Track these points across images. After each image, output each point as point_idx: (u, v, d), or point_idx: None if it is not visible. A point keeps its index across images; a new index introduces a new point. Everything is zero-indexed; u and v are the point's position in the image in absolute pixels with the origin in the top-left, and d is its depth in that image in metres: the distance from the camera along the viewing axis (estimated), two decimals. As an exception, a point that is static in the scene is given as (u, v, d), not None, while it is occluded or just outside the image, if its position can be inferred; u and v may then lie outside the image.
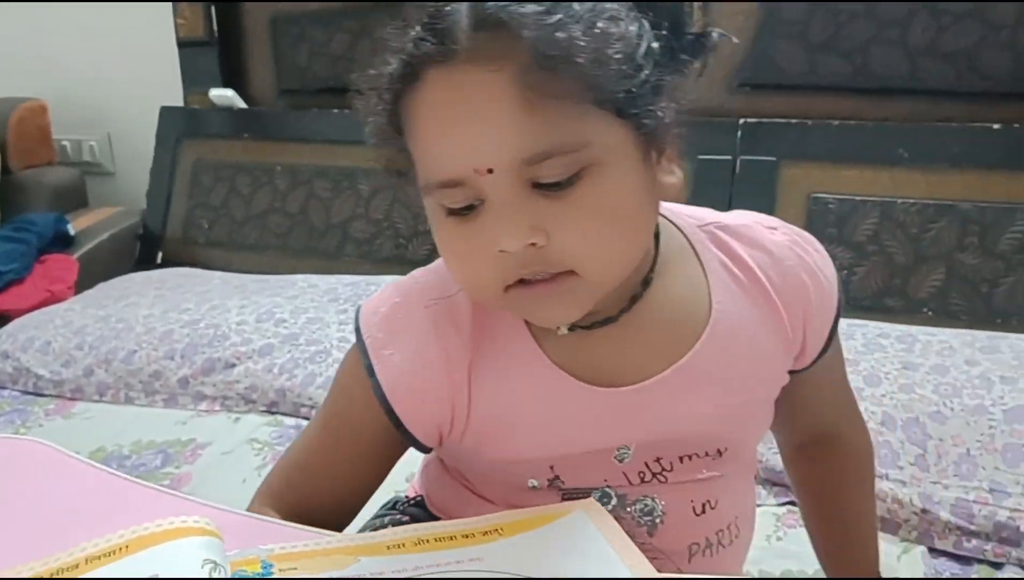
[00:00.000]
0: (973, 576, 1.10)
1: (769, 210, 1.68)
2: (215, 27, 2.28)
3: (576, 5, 0.54)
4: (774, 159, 1.71)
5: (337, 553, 0.57)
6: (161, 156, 2.36)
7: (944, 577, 1.11)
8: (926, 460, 1.18)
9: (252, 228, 2.20)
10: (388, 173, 0.62)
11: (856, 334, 1.41)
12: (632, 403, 0.64)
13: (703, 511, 0.68)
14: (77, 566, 0.52)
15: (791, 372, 0.71)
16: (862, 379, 1.29)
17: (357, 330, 0.67)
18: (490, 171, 0.54)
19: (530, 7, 0.53)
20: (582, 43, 0.53)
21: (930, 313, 1.57)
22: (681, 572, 0.67)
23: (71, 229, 2.27)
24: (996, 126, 1.59)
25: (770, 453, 1.25)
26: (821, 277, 0.68)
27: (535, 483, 0.67)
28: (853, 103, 1.71)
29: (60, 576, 0.51)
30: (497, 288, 0.59)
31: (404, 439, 0.67)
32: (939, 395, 1.24)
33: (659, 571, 0.55)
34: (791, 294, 0.67)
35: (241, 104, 2.27)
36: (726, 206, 1.72)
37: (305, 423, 1.10)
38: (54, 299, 2.03)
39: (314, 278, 1.92)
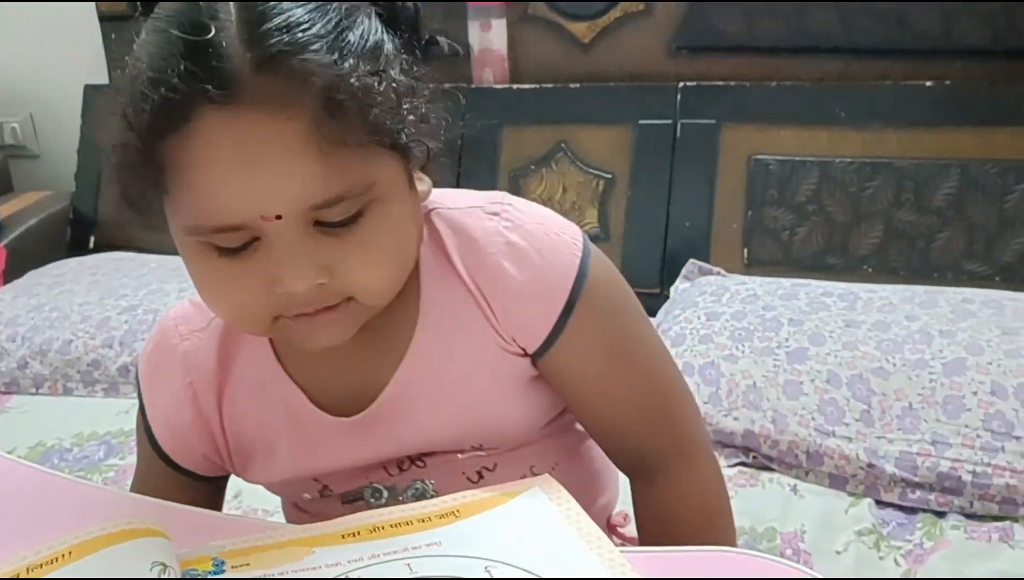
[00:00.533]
0: (918, 525, 1.13)
1: (710, 173, 1.70)
2: (138, 1, 2.20)
3: (323, 20, 0.53)
4: (714, 121, 1.72)
5: (291, 545, 0.56)
6: (88, 136, 2.27)
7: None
8: (871, 415, 1.21)
9: (188, 208, 2.13)
10: (123, 199, 0.58)
11: (800, 294, 1.43)
12: (365, 428, 0.67)
13: (480, 478, 0.68)
14: (18, 576, 0.50)
15: (537, 360, 0.67)
16: (807, 339, 1.31)
17: (137, 367, 0.73)
18: (278, 217, 0.53)
19: (312, 43, 0.52)
20: (373, 87, 0.53)
21: (870, 270, 1.60)
22: None
23: (-4, 216, 2.19)
24: (928, 84, 1.62)
25: (719, 415, 1.26)
26: (536, 262, 0.64)
27: (308, 496, 0.71)
28: (790, 64, 1.72)
29: (-1, 588, 0.49)
30: (267, 321, 0.59)
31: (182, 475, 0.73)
32: (881, 351, 1.26)
33: None
34: (490, 283, 0.64)
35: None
36: (668, 171, 1.75)
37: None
38: (-18, 290, 1.96)
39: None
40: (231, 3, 0.52)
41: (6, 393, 1.59)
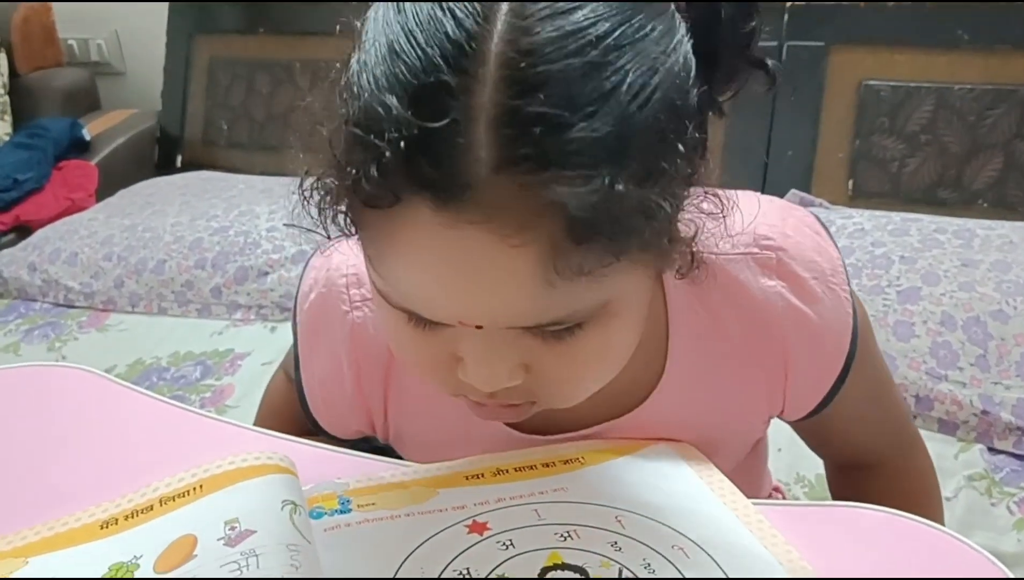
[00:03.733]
0: (1034, 475, 1.08)
1: (816, 99, 1.62)
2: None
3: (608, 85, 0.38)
4: (823, 44, 1.62)
5: (415, 485, 0.55)
6: (173, 54, 2.27)
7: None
8: (987, 360, 1.15)
9: (274, 128, 2.13)
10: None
11: (911, 230, 1.36)
12: None
13: None
14: (152, 507, 0.50)
15: (797, 420, 0.64)
16: (920, 278, 1.24)
17: (296, 304, 0.64)
18: (478, 327, 0.44)
19: (579, 149, 0.37)
20: (649, 198, 0.39)
21: (986, 205, 1.51)
22: None
23: (87, 134, 2.21)
24: (1062, 3, 1.50)
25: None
26: (818, 327, 0.57)
27: None
28: (908, -19, 1.61)
29: (136, 518, 0.49)
30: (451, 387, 0.50)
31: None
32: (1001, 293, 1.19)
33: None
34: (768, 350, 0.57)
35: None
36: (771, 96, 1.67)
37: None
38: (75, 208, 1.99)
39: (341, 179, 1.86)
40: (493, 49, 0.37)
41: (104, 310, 1.63)
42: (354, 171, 0.40)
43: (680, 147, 0.40)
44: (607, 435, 0.60)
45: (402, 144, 0.37)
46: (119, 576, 0.45)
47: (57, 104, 2.31)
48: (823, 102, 1.62)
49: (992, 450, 1.13)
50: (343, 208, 0.44)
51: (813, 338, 0.57)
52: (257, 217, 1.68)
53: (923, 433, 1.13)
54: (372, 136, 0.38)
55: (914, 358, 1.17)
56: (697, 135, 0.42)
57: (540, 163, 0.37)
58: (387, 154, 0.38)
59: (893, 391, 0.69)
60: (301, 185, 0.45)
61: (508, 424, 0.59)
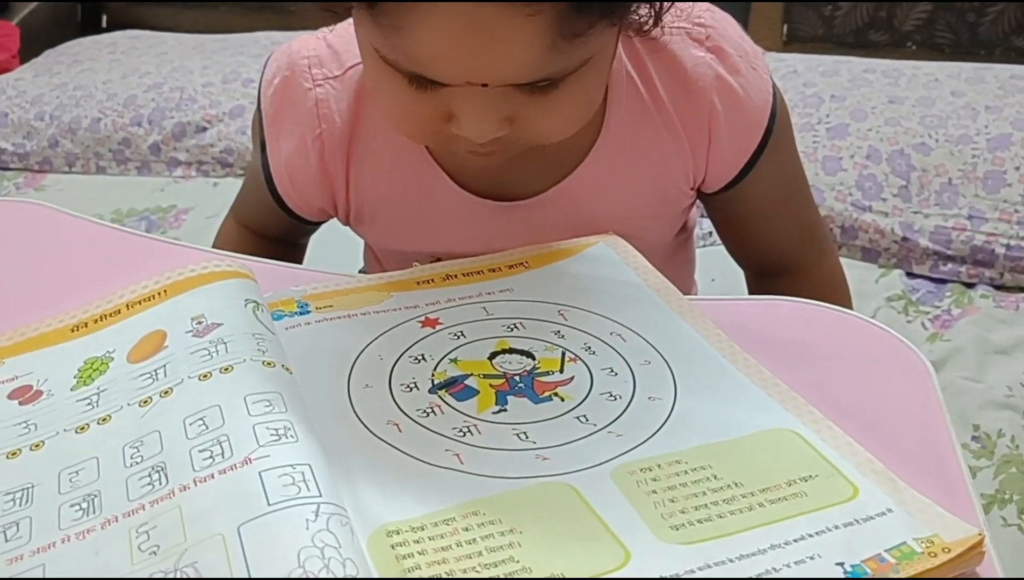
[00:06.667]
0: (947, 293, 1.16)
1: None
2: None
3: None
4: None
5: (368, 290, 0.58)
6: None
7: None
8: (909, 191, 1.21)
9: (200, -17, 2.05)
10: None
11: (842, 70, 1.39)
12: (515, 217, 0.65)
13: None
14: (119, 311, 0.52)
15: (711, 194, 0.69)
16: (848, 114, 1.29)
17: (259, 94, 0.68)
18: (484, 85, 0.50)
19: None
20: None
21: (914, 47, 1.55)
22: None
23: (3, -8, 2.10)
24: None
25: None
26: (741, 98, 0.63)
27: (418, 264, 0.69)
28: None
29: (105, 321, 0.52)
30: (433, 140, 0.57)
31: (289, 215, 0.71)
32: (924, 127, 1.24)
33: None
34: (694, 117, 0.63)
35: None
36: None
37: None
38: (0, 69, 1.91)
39: (276, 35, 1.82)
40: None
41: (40, 171, 1.59)
42: None
43: None
44: (550, 202, 0.65)
45: None
46: (94, 369, 0.48)
47: (-34, -38, 2.18)
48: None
49: (910, 274, 1.20)
50: None
51: (736, 106, 0.63)
52: (191, 72, 1.64)
53: (847, 261, 1.22)
54: None
55: (840, 190, 1.23)
56: None
57: None
58: None
59: (805, 189, 0.73)
60: None
61: (463, 187, 0.65)
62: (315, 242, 0.81)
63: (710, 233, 1.11)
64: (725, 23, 0.64)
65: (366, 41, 0.53)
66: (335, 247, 0.83)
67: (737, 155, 0.66)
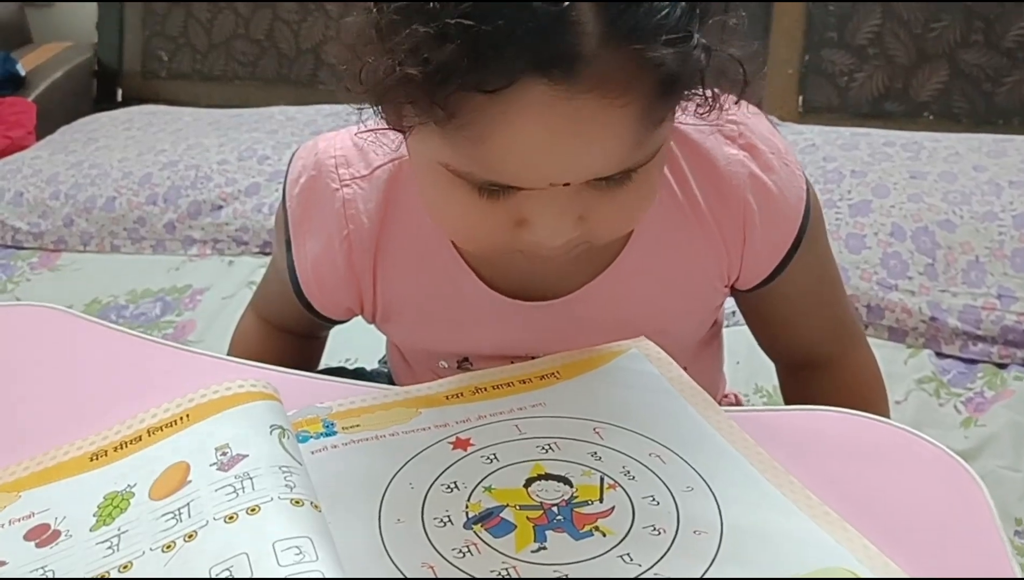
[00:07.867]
0: (979, 374, 1.13)
1: (765, 13, 1.62)
2: None
3: None
4: (771, -40, 1.62)
5: (397, 406, 0.56)
6: (107, -17, 2.19)
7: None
8: (935, 269, 1.19)
9: (216, 58, 2.07)
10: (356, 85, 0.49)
11: (861, 144, 1.38)
12: (544, 317, 0.64)
13: None
14: (140, 438, 0.50)
15: (745, 291, 0.68)
16: (870, 191, 1.28)
17: (284, 192, 0.67)
18: (565, 184, 0.49)
19: (669, 20, 0.44)
20: (702, 55, 0.46)
21: (931, 117, 1.55)
22: None
23: (21, 69, 2.13)
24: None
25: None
26: (775, 196, 0.62)
27: (445, 365, 0.69)
28: None
29: (125, 449, 0.50)
30: (501, 250, 0.55)
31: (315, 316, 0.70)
32: (948, 203, 1.23)
33: None
34: (728, 215, 0.62)
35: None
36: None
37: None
38: (15, 147, 1.92)
39: (291, 110, 1.83)
40: None
41: (55, 250, 1.59)
42: (457, 59, 0.43)
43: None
44: (580, 302, 0.63)
45: (515, 29, 0.42)
46: (115, 506, 0.46)
47: (-15, 39, 2.22)
48: (772, 16, 1.62)
49: (940, 355, 1.18)
50: (425, 106, 0.45)
51: (771, 204, 0.62)
52: (207, 150, 1.64)
53: (874, 341, 1.19)
54: (482, 24, 0.42)
55: (865, 269, 1.21)
56: None
57: (642, 32, 0.43)
58: (505, 46, 0.42)
59: (838, 283, 0.72)
60: (360, 74, 0.48)
61: (491, 286, 0.63)
62: (337, 329, 0.80)
63: (733, 312, 1.09)
64: (756, 118, 0.64)
65: (429, 157, 0.51)
66: (357, 335, 0.81)
67: (772, 253, 0.65)
